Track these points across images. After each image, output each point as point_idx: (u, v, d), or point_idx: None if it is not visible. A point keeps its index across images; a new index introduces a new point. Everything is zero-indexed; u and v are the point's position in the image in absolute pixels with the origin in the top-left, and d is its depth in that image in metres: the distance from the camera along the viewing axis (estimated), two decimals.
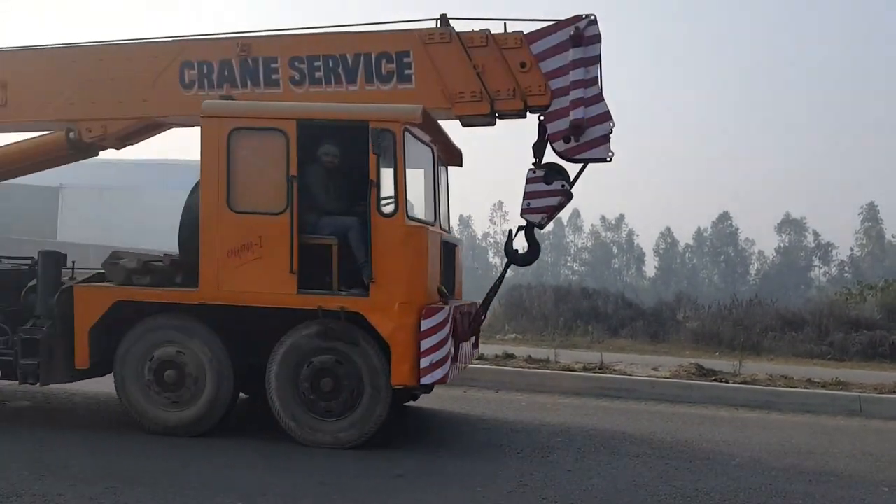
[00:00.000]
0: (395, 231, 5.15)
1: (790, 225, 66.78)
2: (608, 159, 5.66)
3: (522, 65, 5.64)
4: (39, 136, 6.73)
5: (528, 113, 5.81)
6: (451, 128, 6.17)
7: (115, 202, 42.10)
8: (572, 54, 5.55)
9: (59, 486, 4.18)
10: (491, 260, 72.21)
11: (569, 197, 5.72)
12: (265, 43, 6.06)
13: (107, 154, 7.24)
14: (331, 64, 5.89)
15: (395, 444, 5.50)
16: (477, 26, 5.76)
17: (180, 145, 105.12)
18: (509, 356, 10.02)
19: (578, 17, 5.60)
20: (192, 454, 4.98)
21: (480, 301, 6.17)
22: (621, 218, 70.22)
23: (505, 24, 5.73)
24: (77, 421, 5.98)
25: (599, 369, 9.18)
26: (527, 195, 5.71)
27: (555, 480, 4.76)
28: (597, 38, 5.60)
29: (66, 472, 4.43)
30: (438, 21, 5.81)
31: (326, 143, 5.48)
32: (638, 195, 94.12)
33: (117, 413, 6.15)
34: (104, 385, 7.52)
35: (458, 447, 5.53)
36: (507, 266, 6.10)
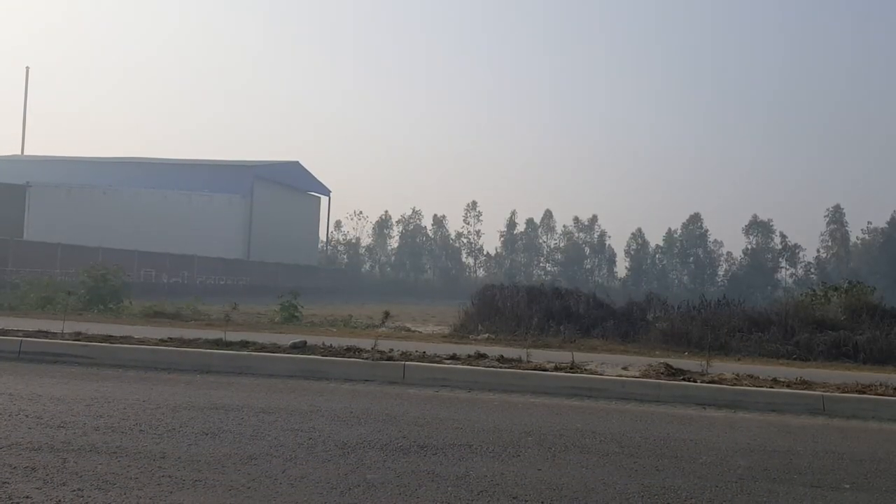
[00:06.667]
0: None
1: (757, 227, 67.77)
2: None
3: None
4: None
5: None
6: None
7: (82, 201, 41.49)
8: None
9: (25, 488, 4.12)
10: (464, 259, 72.30)
11: None
12: None
13: (74, 151, 7.19)
14: None
15: (364, 445, 5.51)
16: None
17: (149, 144, 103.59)
18: (481, 356, 10.09)
19: None
20: (165, 457, 4.94)
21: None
22: (594, 219, 70.73)
23: None
24: (44, 422, 5.88)
25: (571, 369, 9.27)
26: None
27: (525, 479, 4.80)
28: None
29: (34, 475, 4.37)
30: None
31: None
32: (611, 196, 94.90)
33: (86, 415, 6.09)
34: (72, 386, 7.45)
35: (429, 447, 5.55)
36: None
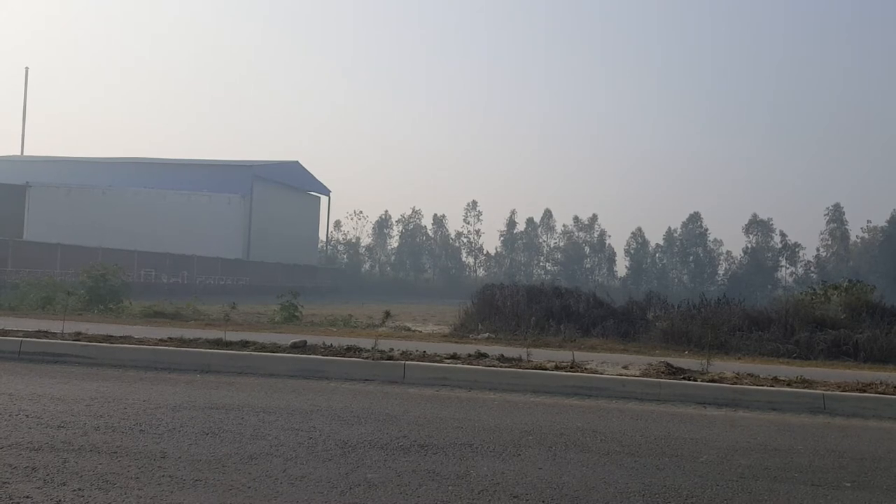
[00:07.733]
0: None
1: (757, 226, 67.77)
2: None
3: None
4: None
5: None
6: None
7: (82, 201, 41.47)
8: None
9: (26, 488, 4.12)
10: (464, 259, 72.27)
11: None
12: None
13: (74, 151, 7.18)
14: None
15: (365, 444, 5.51)
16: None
17: (149, 144, 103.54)
18: (482, 355, 10.08)
19: None
20: (166, 457, 4.94)
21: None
22: (594, 218, 70.75)
23: None
24: (44, 422, 5.88)
25: (571, 368, 9.26)
26: None
27: (526, 478, 4.80)
28: None
29: (34, 475, 4.36)
30: None
31: None
32: (611, 196, 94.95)
33: (86, 415, 6.08)
34: (73, 386, 7.45)
35: (429, 446, 5.55)
36: None
